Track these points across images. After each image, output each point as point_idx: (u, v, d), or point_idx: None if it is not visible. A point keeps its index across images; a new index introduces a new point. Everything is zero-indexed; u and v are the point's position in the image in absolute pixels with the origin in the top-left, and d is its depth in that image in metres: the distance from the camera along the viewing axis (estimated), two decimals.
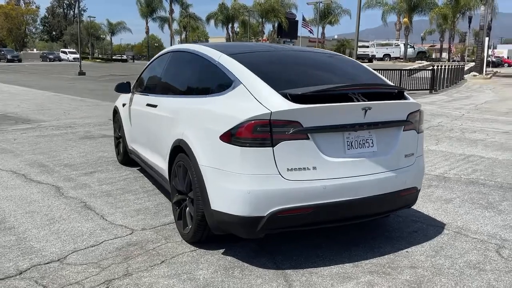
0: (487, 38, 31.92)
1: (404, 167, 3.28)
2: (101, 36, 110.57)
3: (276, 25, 60.35)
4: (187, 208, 3.53)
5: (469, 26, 52.82)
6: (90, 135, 8.32)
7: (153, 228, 3.82)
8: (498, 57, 58.86)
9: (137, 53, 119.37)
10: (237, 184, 2.90)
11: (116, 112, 6.07)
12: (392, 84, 3.50)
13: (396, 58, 46.40)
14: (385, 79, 3.71)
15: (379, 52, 47.59)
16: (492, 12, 37.61)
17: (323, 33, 52.64)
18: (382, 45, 49.04)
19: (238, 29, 72.65)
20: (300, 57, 3.99)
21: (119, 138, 6.10)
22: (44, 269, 3.05)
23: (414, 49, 49.29)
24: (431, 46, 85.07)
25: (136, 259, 3.22)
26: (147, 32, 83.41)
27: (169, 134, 3.80)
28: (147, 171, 4.96)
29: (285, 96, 2.90)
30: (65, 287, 2.81)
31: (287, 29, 60.72)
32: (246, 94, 3.04)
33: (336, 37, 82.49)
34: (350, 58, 4.29)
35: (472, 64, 36.12)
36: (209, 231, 3.30)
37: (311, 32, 68.08)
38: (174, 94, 4.16)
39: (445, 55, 65.41)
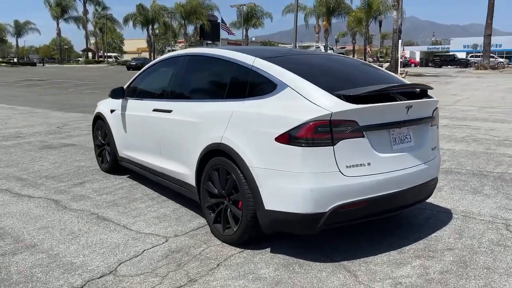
0: (400, 41, 34.59)
1: (431, 159, 3.62)
2: (4, 38, 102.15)
3: (198, 27, 60.14)
4: (228, 211, 3.57)
5: (380, 30, 56.75)
6: (49, 145, 7.84)
7: (186, 234, 3.79)
8: (405, 57, 63.84)
9: (44, 56, 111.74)
10: (299, 183, 3.02)
11: (99, 119, 5.82)
12: (419, 83, 3.78)
13: None
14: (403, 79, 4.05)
15: None
16: (402, 17, 40.77)
17: (246, 35, 53.45)
18: (304, 47, 50.95)
19: (157, 31, 71.12)
20: (324, 59, 4.20)
21: (102, 146, 5.87)
22: (102, 283, 2.94)
23: (333, 50, 51.90)
24: (341, 47, 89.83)
25: (189, 265, 3.21)
26: (58, 34, 78.64)
27: (198, 139, 3.80)
28: (150, 178, 4.86)
29: (339, 97, 3.08)
30: None
31: (210, 31, 60.83)
32: (296, 96, 3.17)
33: (254, 39, 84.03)
34: (362, 60, 4.60)
35: (387, 64, 38.88)
36: (255, 231, 3.38)
37: (230, 34, 68.78)
38: (198, 98, 4.14)
39: (356, 56, 69.54)
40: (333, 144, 2.99)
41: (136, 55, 74.84)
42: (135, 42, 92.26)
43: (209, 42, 63.61)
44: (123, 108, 5.19)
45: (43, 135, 8.98)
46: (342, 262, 3.21)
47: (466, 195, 4.77)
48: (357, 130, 3.06)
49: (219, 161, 3.58)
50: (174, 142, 4.23)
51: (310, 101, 3.08)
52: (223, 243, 3.58)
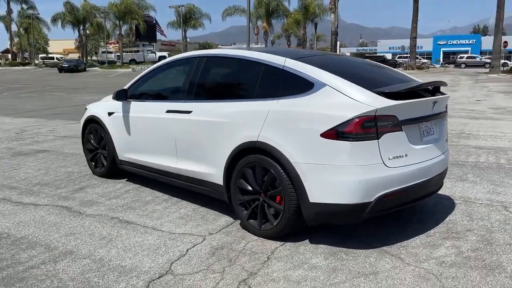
0: (338, 42, 36.11)
1: (446, 149, 3.99)
2: None
3: (134, 27, 58.48)
4: (264, 206, 3.69)
5: (315, 32, 58.61)
6: (20, 152, 7.44)
7: (219, 232, 3.87)
8: None
9: None
10: (348, 175, 3.23)
11: (92, 122, 5.66)
12: (437, 81, 4.03)
13: None
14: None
15: None
16: (338, 19, 42.51)
17: (184, 37, 52.89)
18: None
19: (87, 31, 68.12)
20: (342, 60, 4.42)
21: (95, 150, 5.71)
22: (165, 283, 2.96)
23: None
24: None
25: (240, 259, 3.31)
26: None
27: (228, 138, 3.88)
28: (160, 180, 4.85)
29: (378, 93, 3.32)
30: None
31: (146, 32, 59.39)
32: (336, 94, 3.37)
33: (188, 40, 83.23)
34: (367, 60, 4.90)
35: None
36: (296, 225, 3.55)
37: (163, 35, 67.72)
38: (221, 99, 4.19)
39: None
40: (377, 138, 3.23)
41: (63, 57, 71.27)
42: (61, 43, 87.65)
43: (145, 43, 62.17)
44: (126, 110, 5.10)
45: (5, 142, 8.47)
46: (383, 248, 3.46)
47: (456, 183, 5.24)
48: (396, 124, 3.33)
49: (255, 158, 3.69)
50: (196, 143, 4.26)
51: (352, 98, 3.30)
52: (260, 238, 3.68)
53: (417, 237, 3.66)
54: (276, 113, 3.58)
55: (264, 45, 50.40)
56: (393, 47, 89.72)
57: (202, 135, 4.19)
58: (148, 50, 59.95)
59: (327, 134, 3.26)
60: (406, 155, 3.41)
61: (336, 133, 3.22)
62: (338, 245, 3.52)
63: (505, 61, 49.60)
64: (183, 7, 44.64)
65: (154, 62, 54.80)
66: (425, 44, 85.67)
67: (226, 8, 50.82)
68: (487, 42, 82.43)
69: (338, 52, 37.40)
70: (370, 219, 3.71)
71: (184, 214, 4.30)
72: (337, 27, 40.66)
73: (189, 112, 4.31)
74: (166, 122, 4.57)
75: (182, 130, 4.39)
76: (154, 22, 63.54)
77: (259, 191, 3.73)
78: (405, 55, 65.77)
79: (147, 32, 59.40)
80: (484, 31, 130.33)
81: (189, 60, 4.68)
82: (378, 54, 64.88)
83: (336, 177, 3.27)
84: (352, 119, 3.18)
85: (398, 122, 3.34)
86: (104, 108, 5.50)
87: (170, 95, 4.89)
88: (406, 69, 48.04)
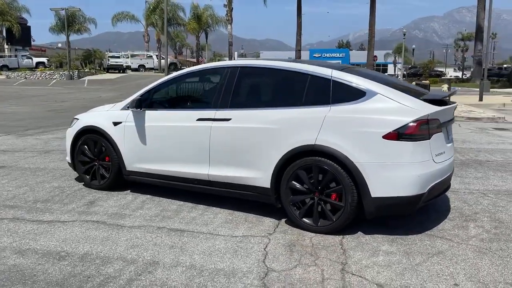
0: (236, 53, 37.18)
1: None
2: None
3: (4, 30, 52.83)
4: (320, 204, 4.05)
5: (206, 41, 59.29)
6: None
7: (276, 232, 4.11)
8: None
9: None
10: (409, 171, 3.77)
11: (90, 132, 5.40)
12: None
13: (151, 68, 48.11)
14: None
15: (134, 63, 48.28)
16: (232, 30, 43.80)
17: (68, 42, 49.29)
18: (135, 56, 49.90)
19: None
20: (368, 71, 4.94)
21: (91, 162, 5.46)
22: (277, 278, 3.17)
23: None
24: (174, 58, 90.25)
25: (320, 253, 3.63)
26: None
27: (278, 143, 4.15)
28: (182, 188, 4.89)
29: (424, 100, 3.94)
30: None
31: (19, 35, 54.11)
32: (389, 101, 3.90)
33: (60, 45, 77.67)
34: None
35: None
36: (352, 219, 3.99)
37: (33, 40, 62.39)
38: (265, 107, 4.41)
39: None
40: (429, 138, 3.83)
41: None
42: None
43: (18, 47, 56.58)
44: (140, 119, 5.02)
45: None
46: (426, 233, 4.07)
47: None
48: (439, 126, 3.98)
49: (312, 160, 4.03)
50: (236, 149, 4.43)
51: (405, 105, 3.86)
52: (317, 234, 4.02)
53: (443, 222, 4.35)
54: (332, 118, 3.98)
55: (156, 54, 49.59)
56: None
57: (245, 141, 4.38)
58: (23, 56, 54.63)
59: (389, 136, 3.76)
60: (443, 152, 4.09)
61: (397, 135, 3.75)
62: (389, 234, 4.03)
63: None
64: (64, 10, 41.59)
65: (32, 69, 50.42)
66: (303, 57, 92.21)
67: (115, 13, 48.86)
68: (354, 56, 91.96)
69: None
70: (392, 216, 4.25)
71: (226, 219, 4.44)
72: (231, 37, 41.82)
73: (227, 119, 4.47)
74: (196, 130, 4.65)
75: (219, 137, 4.52)
76: (28, 25, 58.14)
77: (314, 190, 4.07)
78: None
79: (22, 35, 54.14)
80: (348, 46, 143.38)
81: (218, 70, 4.84)
82: None
83: (398, 173, 3.78)
84: (411, 122, 3.73)
85: (440, 124, 3.99)
86: (106, 117, 5.31)
87: (196, 103, 4.97)
88: None
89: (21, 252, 3.60)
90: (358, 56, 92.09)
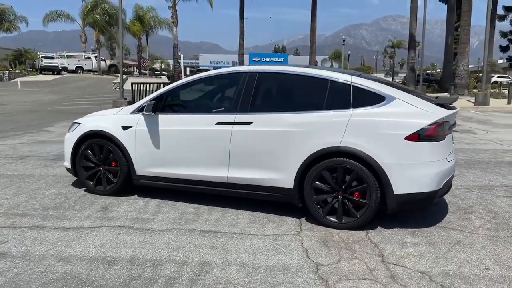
0: (182, 55, 36.86)
1: None
2: None
3: None
4: (345, 202, 4.32)
5: (147, 43, 58.05)
6: None
7: (303, 229, 4.32)
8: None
9: None
10: (429, 169, 4.15)
11: (95, 137, 5.30)
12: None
13: (89, 70, 46.26)
14: None
15: (71, 64, 46.12)
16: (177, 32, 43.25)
17: None
18: (72, 57, 47.71)
19: None
20: (375, 77, 5.26)
21: (94, 167, 5.36)
22: (330, 272, 3.40)
23: (106, 62, 50.31)
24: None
25: (354, 247, 3.90)
26: None
27: (302, 145, 4.37)
28: (197, 191, 4.96)
29: (436, 104, 4.34)
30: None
31: None
32: (406, 105, 4.26)
33: None
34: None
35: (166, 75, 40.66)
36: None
37: None
38: (286, 110, 4.58)
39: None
40: (443, 138, 4.24)
41: None
42: None
43: None
44: (153, 123, 5.02)
45: None
46: (438, 225, 4.48)
47: None
48: (449, 128, 4.40)
49: (337, 161, 4.30)
50: (258, 152, 4.59)
51: (421, 109, 4.24)
52: (342, 230, 4.29)
53: (447, 215, 4.79)
54: (356, 121, 4.27)
55: (95, 55, 47.77)
56: (214, 61, 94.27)
57: (267, 144, 4.55)
58: None
59: (410, 137, 4.12)
60: (452, 151, 4.52)
61: (418, 136, 4.12)
62: (405, 227, 4.39)
63: None
64: None
65: None
66: (242, 61, 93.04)
67: (47, 12, 46.39)
68: (292, 60, 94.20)
69: (182, 64, 38.13)
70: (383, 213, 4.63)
71: (249, 220, 4.58)
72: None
73: (249, 123, 4.62)
74: (216, 133, 4.75)
75: (240, 140, 4.65)
76: None
77: (337, 189, 4.34)
78: None
79: None
80: (283, 50, 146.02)
81: (235, 74, 4.97)
82: (208, 68, 67.64)
83: (418, 171, 4.15)
84: (430, 125, 4.12)
85: (450, 126, 4.42)
86: (114, 122, 5.25)
87: (213, 107, 5.05)
88: None
89: (64, 259, 3.53)
90: (296, 61, 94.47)
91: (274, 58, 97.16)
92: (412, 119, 4.19)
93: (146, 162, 5.12)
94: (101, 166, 5.37)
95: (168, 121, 5.00)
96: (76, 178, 5.83)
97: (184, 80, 5.19)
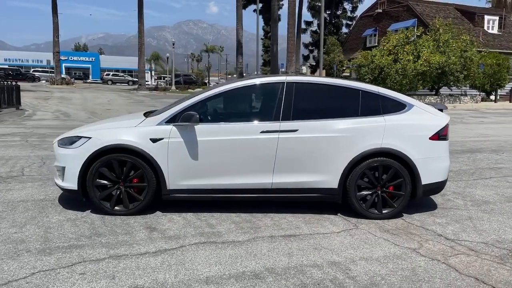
0: None
1: None
2: None
3: None
4: (382, 196, 5.03)
5: None
6: None
7: (358, 223, 4.86)
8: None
9: None
10: (444, 162, 5.16)
11: (114, 152, 4.79)
12: None
13: None
14: None
15: None
16: None
17: None
18: None
19: None
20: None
21: (113, 185, 4.86)
22: (433, 251, 4.07)
23: None
24: None
25: (414, 231, 4.65)
26: None
27: (346, 148, 4.90)
28: (234, 199, 5.05)
29: (439, 110, 5.40)
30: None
31: None
32: (423, 111, 5.20)
33: None
34: None
35: None
36: None
37: None
38: (327, 118, 4.97)
39: None
40: (448, 138, 5.32)
41: None
42: None
43: None
44: (190, 134, 4.83)
45: None
46: (440, 207, 5.54)
47: None
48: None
49: (378, 161, 4.96)
50: (305, 156, 4.91)
51: (433, 114, 5.24)
52: (382, 220, 4.97)
53: (439, 200, 5.92)
54: (390, 126, 5.01)
55: None
56: (9, 58, 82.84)
57: (313, 149, 4.92)
58: None
59: (433, 137, 5.08)
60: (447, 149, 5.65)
61: (438, 136, 5.10)
62: (418, 212, 5.31)
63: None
64: None
65: None
66: (49, 58, 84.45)
67: None
68: (105, 61, 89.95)
69: None
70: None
71: (302, 220, 4.86)
72: None
73: (294, 130, 4.92)
74: (261, 141, 4.89)
75: (286, 147, 4.90)
76: None
77: (377, 185, 5.02)
78: (40, 68, 63.66)
79: None
80: (85, 49, 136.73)
81: (272, 84, 5.15)
82: (13, 67, 59.43)
83: (438, 164, 5.13)
84: (444, 126, 5.15)
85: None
86: (140, 134, 4.83)
87: (254, 116, 5.10)
88: (53, 84, 46.83)
89: (206, 280, 3.32)
90: (109, 61, 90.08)
91: (84, 58, 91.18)
92: (431, 122, 5.14)
93: (180, 175, 4.88)
94: (121, 184, 4.86)
95: (207, 131, 4.88)
96: (58, 200, 5.08)
97: (217, 90, 5.09)
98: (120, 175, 4.85)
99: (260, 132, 4.89)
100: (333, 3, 50.54)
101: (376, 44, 39.24)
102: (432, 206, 5.56)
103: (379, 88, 5.25)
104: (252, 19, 61.48)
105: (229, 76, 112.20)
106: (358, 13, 52.61)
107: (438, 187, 5.22)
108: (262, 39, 53.27)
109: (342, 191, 5.00)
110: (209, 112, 5.14)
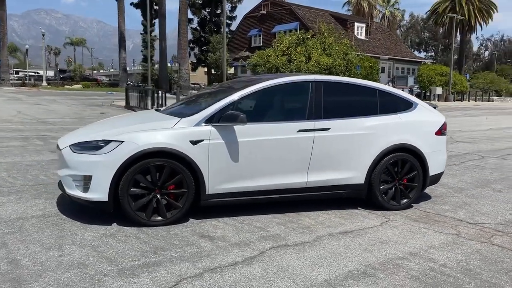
0: None
1: None
2: None
3: None
4: (400, 188, 5.43)
5: None
6: None
7: (380, 214, 5.17)
8: None
9: None
10: (443, 155, 5.75)
11: (154, 156, 4.33)
12: None
13: None
14: None
15: None
16: None
17: None
18: None
19: None
20: None
21: (149, 193, 4.41)
22: (470, 233, 4.55)
23: None
24: None
25: (438, 219, 5.12)
26: None
27: (372, 145, 5.18)
28: (268, 201, 4.95)
29: (433, 107, 5.98)
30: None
31: None
32: (425, 109, 5.72)
33: None
34: None
35: None
36: None
37: None
38: (353, 116, 5.15)
39: None
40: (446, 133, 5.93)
41: None
42: None
43: None
44: (230, 134, 4.60)
45: None
46: (435, 195, 6.16)
47: None
48: None
49: (399, 156, 5.32)
50: (337, 154, 5.05)
51: (432, 112, 5.80)
52: (403, 210, 5.39)
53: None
54: (405, 122, 5.43)
55: None
56: None
57: (344, 147, 5.09)
58: None
59: (437, 132, 5.63)
60: None
61: (440, 131, 5.67)
62: (424, 201, 5.87)
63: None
64: None
65: None
66: None
67: None
68: None
69: None
70: None
71: (342, 217, 4.98)
72: None
73: (327, 129, 5.02)
74: (299, 140, 4.89)
75: (321, 145, 4.98)
76: None
77: (396, 178, 5.40)
78: None
79: None
80: None
81: (302, 83, 5.14)
82: None
83: (440, 157, 5.70)
84: (444, 123, 5.74)
85: None
86: (178, 136, 4.44)
87: (288, 115, 5.02)
88: None
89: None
90: None
91: None
92: (435, 119, 5.69)
93: (220, 178, 4.62)
94: (156, 191, 4.41)
95: (246, 131, 4.68)
96: (63, 214, 4.43)
97: (249, 89, 4.88)
98: (156, 181, 4.39)
99: (297, 131, 4.87)
100: (212, 1, 50.86)
101: (261, 44, 40.86)
102: (425, 196, 6.12)
103: (391, 88, 5.63)
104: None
105: (102, 71, 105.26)
106: (240, 12, 54.05)
107: (438, 177, 5.80)
108: (141, 33, 51.15)
109: (367, 186, 5.24)
110: (247, 111, 4.93)
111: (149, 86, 28.65)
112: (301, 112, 5.07)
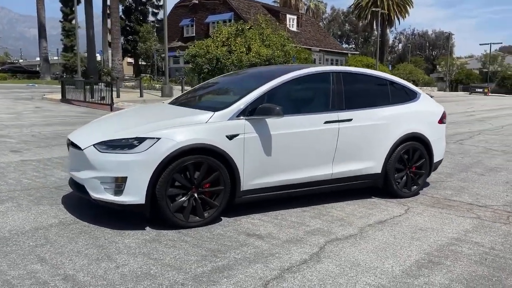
0: None
1: None
2: None
3: None
4: (411, 175, 5.61)
5: None
6: None
7: (403, 203, 5.32)
8: None
9: None
10: (443, 143, 6.03)
11: (193, 153, 4.06)
12: None
13: None
14: None
15: None
16: None
17: None
18: None
19: None
20: None
21: (186, 193, 4.14)
22: (487, 216, 4.82)
23: None
24: None
25: (451, 204, 5.37)
26: None
27: (389, 134, 5.29)
28: (296, 194, 4.87)
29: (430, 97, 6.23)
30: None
31: None
32: (428, 99, 5.96)
33: None
34: None
35: None
36: None
37: None
38: (371, 106, 5.21)
39: None
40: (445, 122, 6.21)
41: None
42: None
43: None
44: (264, 128, 4.43)
45: None
46: (432, 182, 6.44)
47: None
48: None
49: (411, 144, 5.48)
50: (358, 145, 5.09)
51: (433, 102, 6.05)
52: (418, 198, 5.57)
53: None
54: (414, 112, 5.62)
55: None
56: None
57: (366, 137, 5.15)
58: None
59: (439, 121, 5.89)
60: None
61: (441, 120, 5.93)
62: (427, 186, 6.12)
63: None
64: None
65: None
66: None
67: None
68: None
69: None
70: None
71: (367, 207, 5.03)
72: None
73: (349, 120, 5.04)
74: (325, 132, 4.86)
75: (345, 136, 4.99)
76: None
77: (407, 166, 5.56)
78: None
79: None
80: None
81: (323, 74, 5.07)
82: None
83: (441, 144, 5.97)
84: (444, 112, 6.01)
85: None
86: (215, 131, 4.19)
87: (313, 107, 4.92)
88: None
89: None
90: None
91: None
92: (436, 108, 5.94)
93: (254, 174, 4.45)
94: (193, 190, 4.14)
95: (277, 124, 4.53)
96: (81, 220, 4.05)
97: (276, 81, 4.70)
98: (193, 180, 4.11)
99: (324, 123, 4.82)
100: None
101: (194, 35, 40.10)
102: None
103: (398, 78, 5.77)
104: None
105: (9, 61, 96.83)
106: (169, 1, 52.31)
107: (439, 164, 6.08)
108: (61, 21, 47.73)
109: (384, 175, 5.35)
110: (286, 103, 4.75)
111: (79, 78, 26.88)
112: (325, 103, 5.03)
